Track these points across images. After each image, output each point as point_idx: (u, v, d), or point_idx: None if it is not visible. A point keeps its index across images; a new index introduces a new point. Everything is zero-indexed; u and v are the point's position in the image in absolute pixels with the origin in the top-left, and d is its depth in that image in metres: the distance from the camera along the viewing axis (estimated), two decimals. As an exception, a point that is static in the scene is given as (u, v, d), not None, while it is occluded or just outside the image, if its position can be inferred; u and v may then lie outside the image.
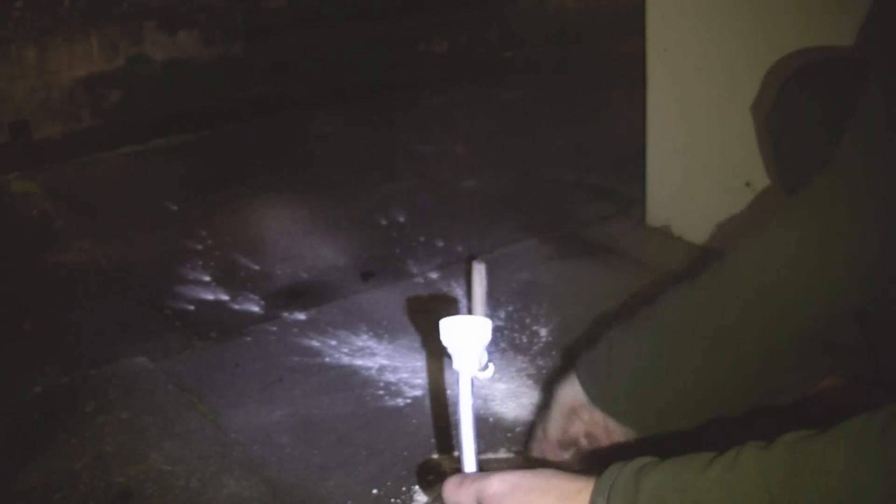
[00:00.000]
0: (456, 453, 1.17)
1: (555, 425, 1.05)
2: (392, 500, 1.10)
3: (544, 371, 1.36)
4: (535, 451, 1.08)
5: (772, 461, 0.60)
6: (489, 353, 0.81)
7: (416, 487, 1.12)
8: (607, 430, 1.00)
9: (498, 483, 0.71)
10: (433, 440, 1.21)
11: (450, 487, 0.75)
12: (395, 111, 2.80)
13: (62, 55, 2.48)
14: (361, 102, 2.87)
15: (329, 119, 2.70)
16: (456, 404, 0.80)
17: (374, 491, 1.12)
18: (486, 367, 0.80)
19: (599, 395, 0.99)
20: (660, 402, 0.96)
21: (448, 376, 1.32)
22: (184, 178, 2.29)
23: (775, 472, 0.59)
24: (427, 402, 1.30)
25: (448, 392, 1.30)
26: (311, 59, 2.93)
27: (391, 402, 1.30)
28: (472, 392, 0.79)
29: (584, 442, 1.03)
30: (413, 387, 1.34)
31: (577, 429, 1.02)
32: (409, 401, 1.30)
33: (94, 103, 2.57)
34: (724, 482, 0.61)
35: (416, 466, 1.16)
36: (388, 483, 1.13)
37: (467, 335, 0.78)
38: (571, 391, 1.02)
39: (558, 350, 1.41)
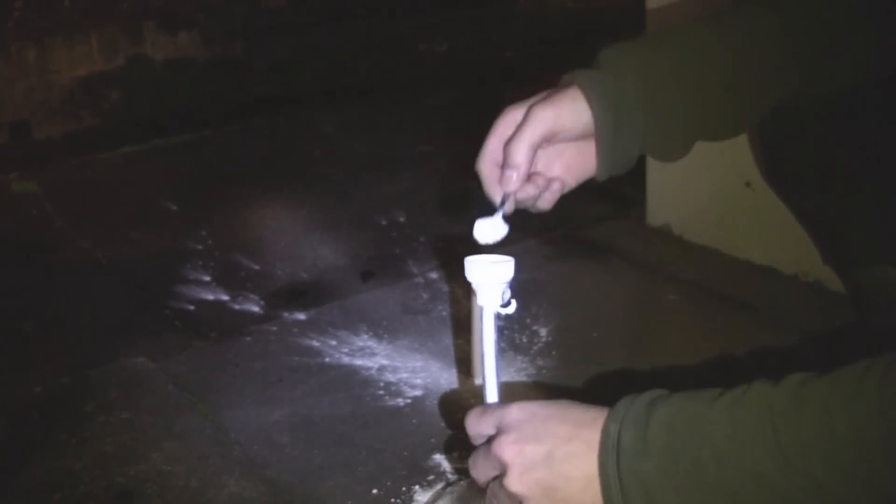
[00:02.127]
0: (456, 453, 1.17)
1: (522, 152, 0.93)
2: (392, 500, 1.10)
3: (544, 371, 1.36)
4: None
5: (778, 397, 0.62)
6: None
7: (417, 487, 1.12)
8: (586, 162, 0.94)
9: (517, 411, 0.74)
10: (433, 440, 1.22)
11: (472, 418, 0.78)
12: (395, 111, 2.80)
13: (62, 55, 2.48)
14: (361, 102, 2.87)
15: (329, 119, 2.70)
16: (480, 339, 0.84)
17: (374, 491, 1.12)
18: (508, 302, 0.83)
19: (606, 105, 0.89)
20: (672, 119, 0.90)
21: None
22: (184, 178, 2.29)
23: (780, 407, 0.62)
24: (427, 402, 1.30)
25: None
26: (311, 59, 2.93)
27: (391, 402, 1.30)
28: (495, 327, 0.83)
29: (556, 173, 0.97)
30: (413, 387, 1.34)
31: (552, 162, 0.97)
32: (409, 401, 1.30)
33: (94, 103, 2.57)
34: (731, 414, 0.63)
35: (416, 466, 1.16)
36: (388, 483, 1.13)
37: (491, 271, 0.86)
38: (571, 114, 0.91)
39: (558, 350, 1.41)
